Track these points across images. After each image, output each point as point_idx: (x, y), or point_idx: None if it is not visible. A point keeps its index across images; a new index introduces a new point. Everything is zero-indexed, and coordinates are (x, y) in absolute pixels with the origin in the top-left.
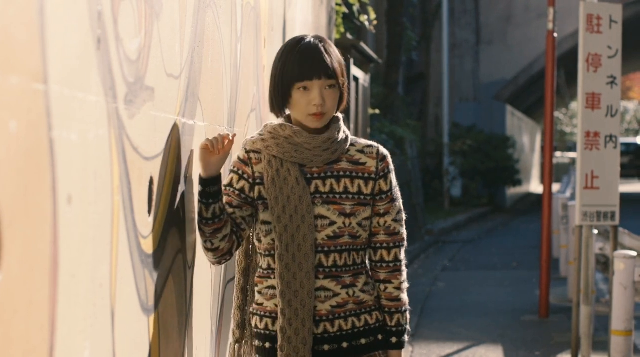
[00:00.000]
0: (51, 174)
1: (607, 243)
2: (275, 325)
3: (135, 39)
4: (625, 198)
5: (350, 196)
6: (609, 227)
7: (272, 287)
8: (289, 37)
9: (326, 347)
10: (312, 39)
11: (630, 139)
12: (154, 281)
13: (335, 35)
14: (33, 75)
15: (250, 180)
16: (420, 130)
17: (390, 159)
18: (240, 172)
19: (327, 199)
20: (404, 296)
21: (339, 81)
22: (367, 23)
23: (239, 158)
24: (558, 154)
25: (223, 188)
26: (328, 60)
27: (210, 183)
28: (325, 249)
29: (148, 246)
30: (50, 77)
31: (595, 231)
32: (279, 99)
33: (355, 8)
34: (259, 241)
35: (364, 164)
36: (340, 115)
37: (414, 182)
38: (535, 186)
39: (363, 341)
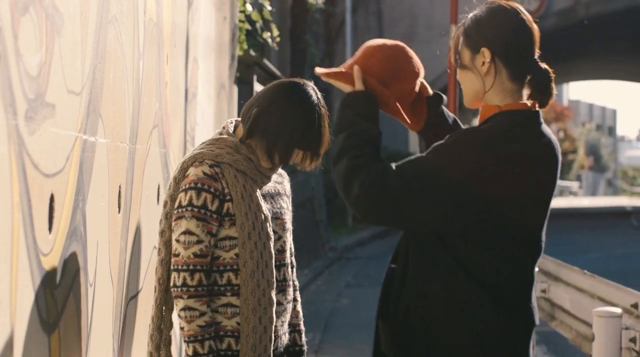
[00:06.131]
0: None
1: None
2: (239, 344)
3: (36, 55)
4: None
5: (285, 212)
6: None
7: (230, 305)
8: (191, 54)
9: None
10: None
11: None
12: (55, 298)
13: (239, 52)
14: None
15: (221, 196)
16: None
17: None
18: (212, 189)
19: (275, 215)
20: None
21: None
22: (270, 40)
23: (204, 173)
24: None
25: (196, 210)
26: None
27: None
28: (277, 263)
29: (49, 263)
30: None
31: None
32: None
33: (259, 25)
34: (217, 257)
35: (281, 183)
36: None
37: (317, 199)
38: None
39: None
